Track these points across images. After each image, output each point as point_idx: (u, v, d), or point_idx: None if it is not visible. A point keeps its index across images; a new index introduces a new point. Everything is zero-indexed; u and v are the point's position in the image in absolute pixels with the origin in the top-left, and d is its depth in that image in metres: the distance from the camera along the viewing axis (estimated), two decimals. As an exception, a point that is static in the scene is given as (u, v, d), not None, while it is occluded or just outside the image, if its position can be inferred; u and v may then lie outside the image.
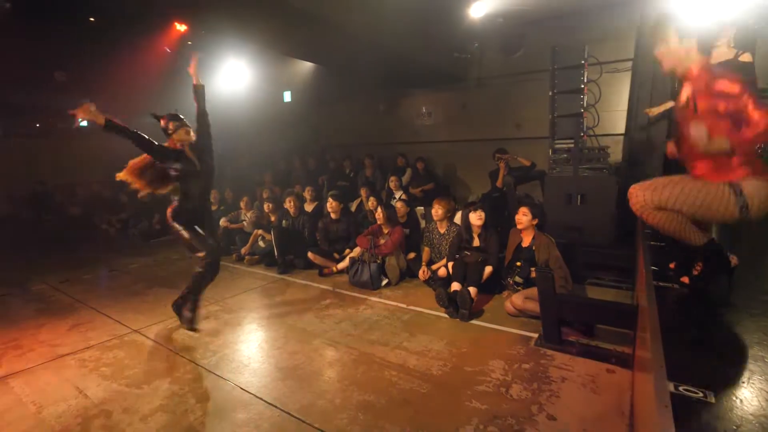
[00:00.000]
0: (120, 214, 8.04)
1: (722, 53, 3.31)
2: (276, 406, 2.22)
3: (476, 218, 3.82)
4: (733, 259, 2.12)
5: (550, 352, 2.71)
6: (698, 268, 2.07)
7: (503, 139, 6.60)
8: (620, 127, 5.28)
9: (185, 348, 2.93)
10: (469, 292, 3.28)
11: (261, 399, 2.27)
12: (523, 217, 3.39)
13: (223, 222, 6.11)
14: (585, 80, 4.20)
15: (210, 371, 2.61)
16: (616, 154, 4.78)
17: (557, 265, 3.14)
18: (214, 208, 6.85)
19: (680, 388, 1.16)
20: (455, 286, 3.46)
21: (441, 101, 7.85)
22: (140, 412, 2.20)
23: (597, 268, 3.97)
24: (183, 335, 3.15)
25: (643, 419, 1.41)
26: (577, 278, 3.61)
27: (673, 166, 3.93)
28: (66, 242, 7.10)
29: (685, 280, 2.17)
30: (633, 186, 2.12)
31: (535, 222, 3.43)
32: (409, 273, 4.37)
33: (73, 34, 6.79)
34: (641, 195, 2.01)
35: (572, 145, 4.30)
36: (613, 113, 5.52)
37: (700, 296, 1.80)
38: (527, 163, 5.48)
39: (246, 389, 2.37)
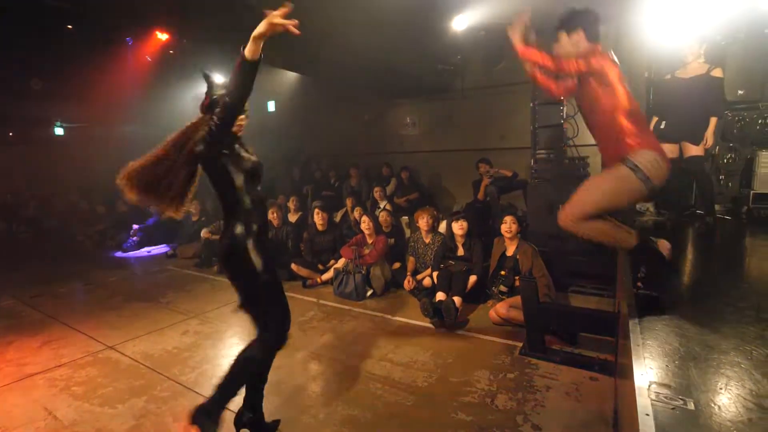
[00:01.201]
0: (97, 226, 7.82)
1: (695, 68, 3.45)
2: (257, 423, 2.15)
3: (458, 228, 3.87)
4: (663, 246, 2.13)
5: (534, 360, 2.73)
6: (642, 271, 2.12)
7: (487, 149, 6.69)
8: (599, 137, 5.41)
9: (163, 365, 2.84)
10: (453, 302, 3.28)
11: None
12: (513, 225, 3.42)
13: (204, 233, 5.99)
14: (564, 92, 4.30)
15: (189, 388, 2.52)
16: (595, 164, 4.89)
17: (541, 274, 3.18)
18: (195, 219, 6.74)
19: (661, 396, 1.18)
20: (440, 295, 3.46)
21: (426, 112, 7.94)
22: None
23: (579, 276, 4.02)
24: (161, 351, 3.06)
25: (627, 427, 1.42)
26: (559, 286, 3.65)
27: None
28: (40, 255, 6.84)
29: (639, 284, 2.23)
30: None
31: (519, 230, 3.47)
32: (394, 283, 4.35)
33: (49, 42, 6.65)
34: (565, 211, 2.10)
35: (553, 155, 4.39)
36: (593, 124, 5.66)
37: (652, 301, 1.84)
38: (509, 174, 5.56)
39: (227, 406, 2.29)
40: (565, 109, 4.31)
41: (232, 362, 1.81)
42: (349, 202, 6.03)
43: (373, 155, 8.26)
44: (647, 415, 1.09)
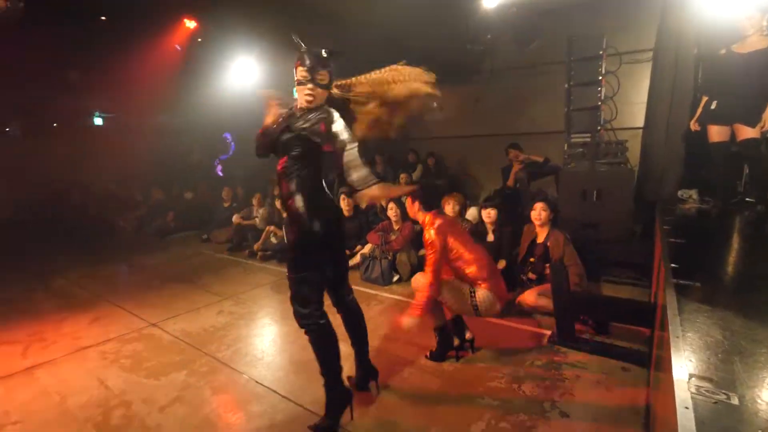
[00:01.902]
0: (135, 212, 8.22)
1: (754, 42, 3.21)
2: (290, 399, 2.25)
3: (486, 216, 3.86)
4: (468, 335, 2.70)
5: (563, 349, 2.70)
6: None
7: (517, 133, 6.50)
8: (639, 120, 5.16)
9: (201, 341, 3.00)
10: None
11: (275, 392, 2.31)
12: (543, 212, 3.35)
13: (236, 219, 6.20)
14: (603, 71, 4.11)
15: (225, 364, 2.66)
16: (634, 148, 4.68)
17: (572, 262, 3.11)
18: (226, 205, 6.96)
19: (702, 390, 1.14)
20: None
21: (453, 95, 7.75)
22: (158, 403, 2.27)
23: (613, 265, 3.91)
24: (198, 329, 3.22)
25: (663, 421, 1.39)
26: (591, 275, 3.56)
27: (696, 148, 3.86)
28: (84, 240, 7.29)
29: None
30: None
31: (551, 216, 3.40)
32: (420, 269, 4.36)
33: (84, 33, 6.92)
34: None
35: (588, 139, 4.23)
36: (633, 106, 5.39)
37: (693, 292, 1.81)
38: (540, 159, 5.40)
39: (260, 382, 2.41)
40: (603, 90, 4.12)
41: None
42: (375, 188, 6.05)
43: (398, 141, 8.20)
44: (686, 408, 1.06)
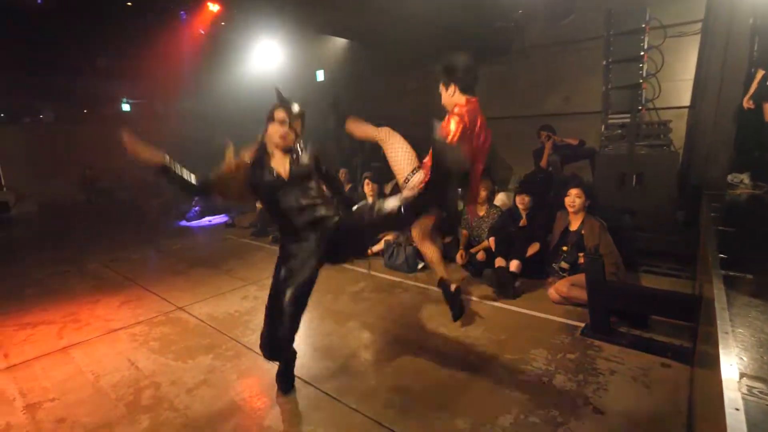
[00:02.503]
0: (162, 198, 8.50)
1: None
2: (312, 385, 2.30)
3: (519, 201, 3.78)
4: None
5: (597, 342, 2.62)
6: None
7: (549, 114, 6.27)
8: (685, 98, 4.86)
9: (226, 326, 3.09)
10: (512, 275, 3.23)
11: (298, 377, 2.36)
12: (577, 199, 3.23)
13: (259, 204, 6.30)
14: (645, 46, 3.87)
15: (250, 349, 2.73)
16: (679, 129, 4.42)
17: (608, 251, 2.99)
18: (250, 189, 7.07)
19: (754, 390, 1.07)
20: (499, 261, 3.42)
21: (481, 75, 7.53)
22: (186, 385, 2.35)
23: (653, 255, 3.74)
24: (223, 314, 3.32)
25: (708, 422, 1.33)
26: (629, 266, 3.43)
27: (749, 128, 3.61)
28: (114, 224, 7.62)
29: None
30: None
31: (587, 203, 3.27)
32: (445, 257, 4.32)
33: (111, 19, 7.10)
34: None
35: (628, 120, 4.02)
36: (678, 83, 5.08)
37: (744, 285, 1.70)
38: (574, 142, 5.19)
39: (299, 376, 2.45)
40: (645, 66, 3.89)
41: None
42: (399, 173, 5.99)
43: (424, 124, 8.04)
44: (737, 409, 1.00)
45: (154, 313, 3.37)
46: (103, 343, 2.93)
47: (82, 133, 10.24)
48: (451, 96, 2.86)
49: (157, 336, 2.98)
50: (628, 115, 4.02)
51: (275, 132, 2.07)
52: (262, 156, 2.10)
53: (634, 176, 3.93)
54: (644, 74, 3.92)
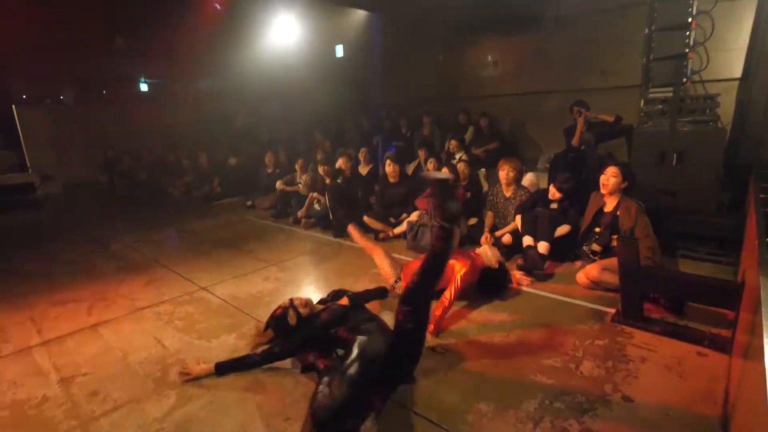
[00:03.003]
0: (183, 178, 8.73)
1: None
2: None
3: (550, 193, 3.73)
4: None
5: (628, 329, 2.59)
6: None
7: (584, 89, 6.05)
8: (736, 69, 4.60)
9: (248, 306, 3.20)
10: (540, 257, 3.21)
11: (320, 359, 2.43)
12: (612, 178, 3.15)
13: (279, 185, 6.40)
14: (694, 12, 3.66)
15: (272, 330, 2.83)
16: (727, 103, 4.19)
17: (645, 234, 2.92)
18: (269, 171, 7.19)
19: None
20: (527, 240, 3.40)
21: (510, 48, 7.32)
22: (211, 363, 2.47)
23: (692, 239, 3.63)
24: (246, 294, 3.44)
25: (749, 414, 1.31)
26: (667, 250, 3.35)
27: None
28: (136, 204, 7.90)
29: None
30: None
31: (624, 185, 3.18)
32: (470, 239, 4.32)
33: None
34: None
35: (671, 94, 3.84)
36: (729, 53, 4.80)
37: None
38: (610, 119, 5.01)
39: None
40: (692, 34, 3.68)
41: None
42: (421, 153, 5.95)
43: (448, 101, 7.93)
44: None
45: (178, 293, 3.52)
46: (129, 321, 3.10)
47: (101, 114, 10.55)
48: None
49: (181, 315, 3.13)
50: (671, 89, 3.85)
51: None
52: None
53: (675, 155, 3.79)
54: (691, 43, 3.71)
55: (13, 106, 9.24)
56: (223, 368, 2.32)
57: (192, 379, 2.29)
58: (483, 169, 5.72)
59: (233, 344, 2.68)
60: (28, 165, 9.39)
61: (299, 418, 1.96)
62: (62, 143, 9.85)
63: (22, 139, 9.35)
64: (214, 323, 2.97)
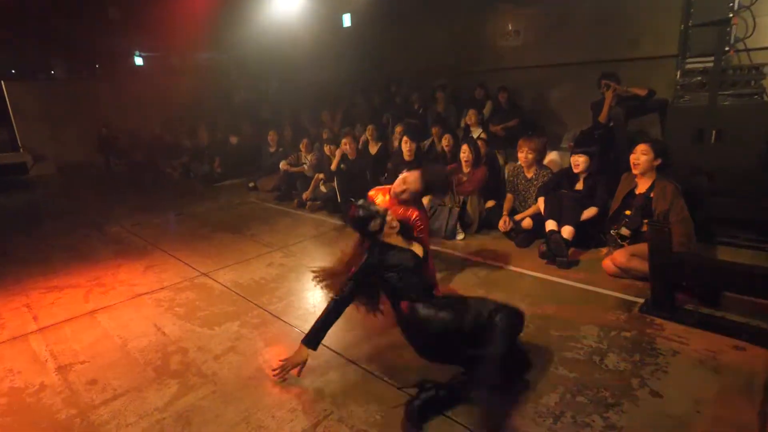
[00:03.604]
0: (182, 158, 8.77)
1: None
2: (342, 356, 2.39)
3: (573, 164, 3.65)
4: None
5: (658, 320, 2.56)
6: None
7: (613, 60, 5.87)
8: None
9: (252, 293, 3.23)
10: (565, 242, 3.18)
11: (327, 347, 2.45)
12: (642, 156, 3.07)
13: (282, 165, 6.39)
14: (739, -28, 3.50)
15: (277, 317, 2.86)
16: (774, 74, 4.04)
17: (679, 218, 2.86)
18: (272, 150, 7.18)
19: None
20: (550, 224, 3.37)
21: (532, 15, 7.11)
22: (213, 351, 2.51)
23: (732, 224, 3.55)
24: (249, 281, 3.47)
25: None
26: (703, 235, 3.27)
27: None
28: (134, 186, 7.98)
29: None
30: None
31: (656, 163, 3.09)
32: (487, 223, 4.29)
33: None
34: None
35: (711, 65, 3.70)
36: (779, 17, 4.59)
37: None
38: (643, 93, 4.86)
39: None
40: (738, -5, 3.52)
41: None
42: (435, 131, 5.87)
43: (465, 74, 7.78)
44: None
45: (179, 279, 3.57)
46: (128, 307, 3.15)
47: (95, 90, 10.56)
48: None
49: (182, 302, 3.17)
50: (712, 58, 3.70)
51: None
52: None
53: (714, 132, 3.67)
54: (735, 6, 3.56)
55: (2, 81, 9.29)
56: (312, 340, 2.17)
57: (292, 369, 2.16)
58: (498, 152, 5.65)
59: (236, 332, 2.71)
60: (20, 144, 9.49)
61: (305, 409, 1.99)
62: (55, 121, 9.90)
63: (12, 116, 9.42)
64: (216, 310, 3.01)
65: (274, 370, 2.20)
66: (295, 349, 2.19)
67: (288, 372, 2.17)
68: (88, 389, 2.24)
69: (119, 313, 3.06)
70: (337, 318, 2.19)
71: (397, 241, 2.27)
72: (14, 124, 9.46)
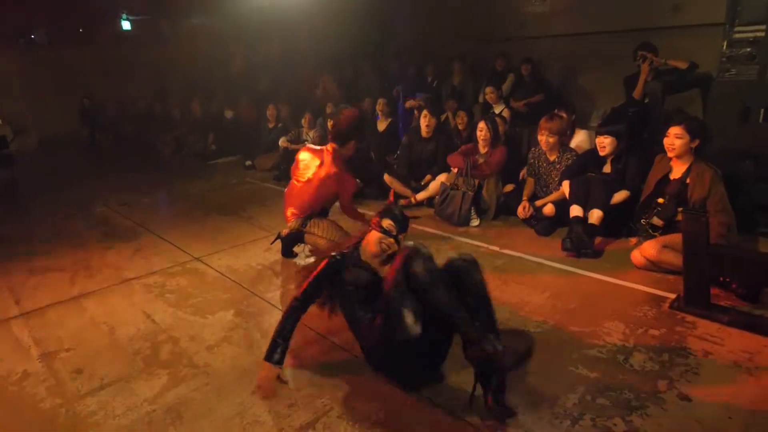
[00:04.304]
0: (173, 132, 8.79)
1: None
2: (344, 349, 2.42)
3: (600, 144, 3.61)
4: None
5: (690, 318, 2.55)
6: None
7: (651, 29, 5.74)
8: None
9: (248, 280, 3.27)
10: (592, 227, 3.15)
11: (328, 338, 2.49)
12: (677, 140, 3.01)
13: (282, 142, 6.40)
14: None
15: (274, 306, 2.90)
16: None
17: (719, 207, 2.82)
18: (271, 125, 7.16)
19: None
20: (575, 211, 3.36)
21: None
22: (206, 341, 2.55)
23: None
24: (244, 266, 3.51)
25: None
26: (744, 226, 3.23)
27: None
28: (121, 162, 8.04)
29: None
30: None
31: (694, 144, 3.04)
32: (505, 209, 4.27)
33: None
34: None
35: (763, 34, 3.61)
36: None
37: None
38: (683, 66, 4.75)
39: (313, 328, 2.60)
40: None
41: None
42: (449, 106, 5.82)
43: (484, 43, 7.65)
44: None
45: (170, 264, 3.62)
46: (116, 293, 3.21)
47: (78, 56, 10.54)
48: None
49: (173, 288, 3.22)
50: (763, 27, 3.61)
51: (376, 241, 2.25)
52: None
53: (762, 111, 3.60)
54: (793, -32, 3.45)
55: (-20, 46, 9.34)
56: (272, 355, 2.10)
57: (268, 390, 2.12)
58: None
59: (231, 321, 2.75)
60: (-1, 116, 9.58)
61: (304, 405, 2.03)
62: (36, 91, 9.95)
63: (-9, 85, 9.49)
64: (209, 298, 3.05)
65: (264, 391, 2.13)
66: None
67: (269, 392, 2.10)
68: (74, 378, 2.30)
69: (106, 299, 3.12)
70: (294, 325, 2.15)
71: (373, 262, 2.28)
72: (-7, 94, 9.54)
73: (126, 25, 11.39)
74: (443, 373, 2.19)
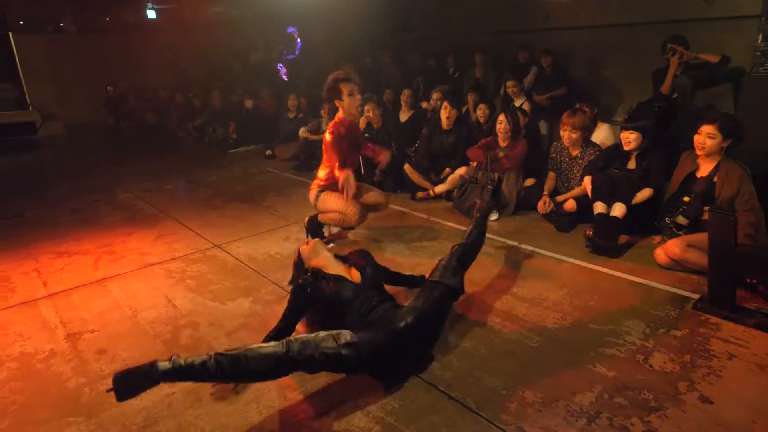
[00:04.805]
0: (195, 121, 8.91)
1: None
2: (361, 340, 2.43)
3: (625, 140, 3.54)
4: None
5: (714, 319, 2.50)
6: None
7: (681, 20, 5.58)
8: None
9: (266, 268, 3.31)
10: (616, 222, 3.10)
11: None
12: (709, 140, 2.93)
13: (302, 132, 6.42)
14: None
15: (291, 295, 2.93)
16: None
17: (747, 206, 2.75)
18: (291, 115, 7.19)
19: None
20: (598, 207, 3.33)
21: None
22: (225, 327, 2.60)
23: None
24: (263, 255, 3.55)
25: None
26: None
27: None
28: (144, 149, 8.19)
29: None
30: None
31: (726, 144, 2.96)
32: (525, 204, 4.22)
33: None
34: None
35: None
36: None
37: None
38: (714, 59, 4.60)
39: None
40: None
41: None
42: (471, 98, 5.76)
43: (506, 35, 7.54)
44: None
45: (191, 250, 3.68)
46: (138, 277, 3.28)
47: (105, 44, 10.74)
48: None
49: (193, 274, 3.28)
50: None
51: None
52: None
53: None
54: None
55: (10, 33, 9.54)
56: None
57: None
58: (543, 122, 5.50)
59: (249, 308, 2.79)
60: (29, 102, 9.82)
61: (320, 392, 2.05)
62: (64, 78, 10.17)
63: (20, 71, 9.71)
64: (228, 285, 3.10)
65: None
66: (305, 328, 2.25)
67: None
68: (97, 359, 2.36)
69: (129, 283, 3.20)
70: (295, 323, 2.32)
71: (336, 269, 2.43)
72: (23, 80, 9.76)
73: (151, 14, 11.51)
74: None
